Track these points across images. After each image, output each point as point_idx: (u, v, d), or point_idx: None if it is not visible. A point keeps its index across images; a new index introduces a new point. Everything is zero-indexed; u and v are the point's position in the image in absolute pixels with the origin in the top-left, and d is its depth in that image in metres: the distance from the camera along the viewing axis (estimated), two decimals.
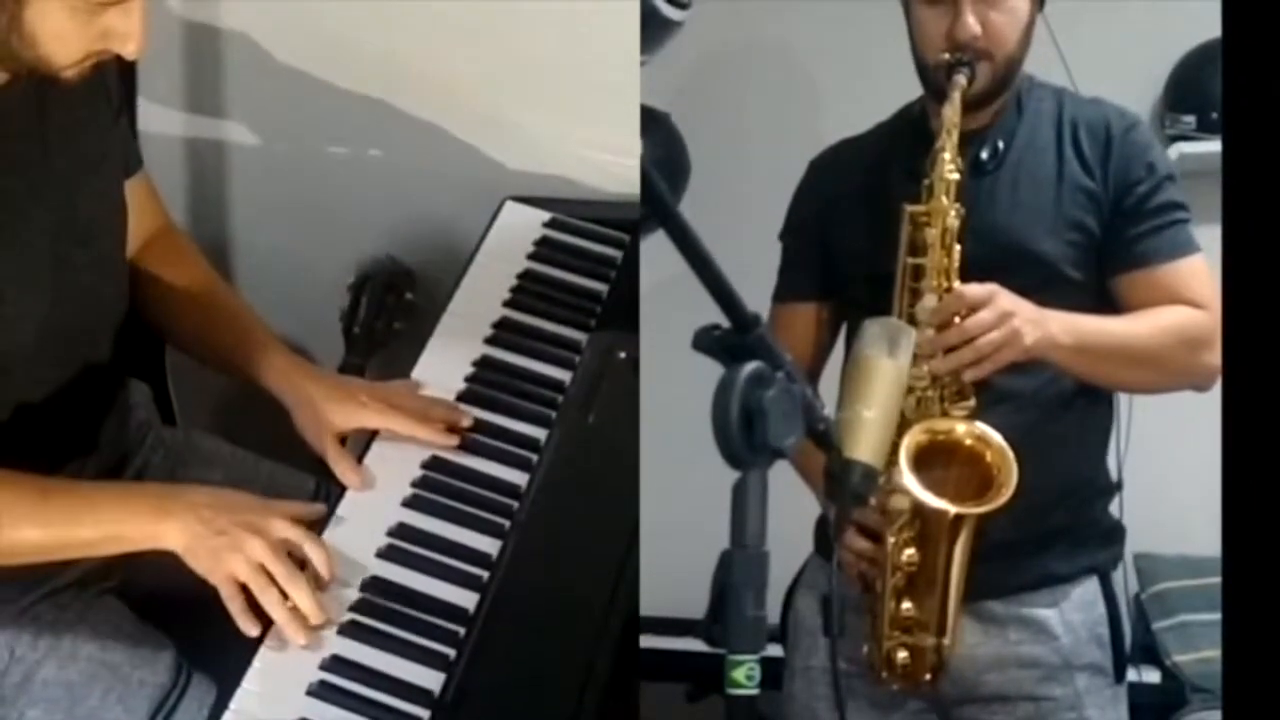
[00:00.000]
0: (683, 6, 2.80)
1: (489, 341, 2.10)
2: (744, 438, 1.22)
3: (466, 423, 1.94)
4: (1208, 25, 2.52)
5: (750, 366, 1.23)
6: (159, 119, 2.60)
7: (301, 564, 1.68)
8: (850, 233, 2.02)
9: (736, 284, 1.25)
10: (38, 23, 1.61)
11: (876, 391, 1.65)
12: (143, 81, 2.51)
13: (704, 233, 1.22)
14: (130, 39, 1.67)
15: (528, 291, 2.19)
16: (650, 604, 2.32)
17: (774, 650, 1.40)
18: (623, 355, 2.03)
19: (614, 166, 2.46)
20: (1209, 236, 1.83)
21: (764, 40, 3.14)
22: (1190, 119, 2.83)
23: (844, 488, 1.52)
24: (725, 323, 1.26)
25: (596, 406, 1.96)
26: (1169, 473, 2.55)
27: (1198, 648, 2.72)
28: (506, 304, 2.16)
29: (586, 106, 2.45)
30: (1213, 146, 2.69)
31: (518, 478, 1.88)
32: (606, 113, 2.41)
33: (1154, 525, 2.21)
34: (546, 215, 2.32)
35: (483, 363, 2.06)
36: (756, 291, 1.70)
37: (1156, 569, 2.85)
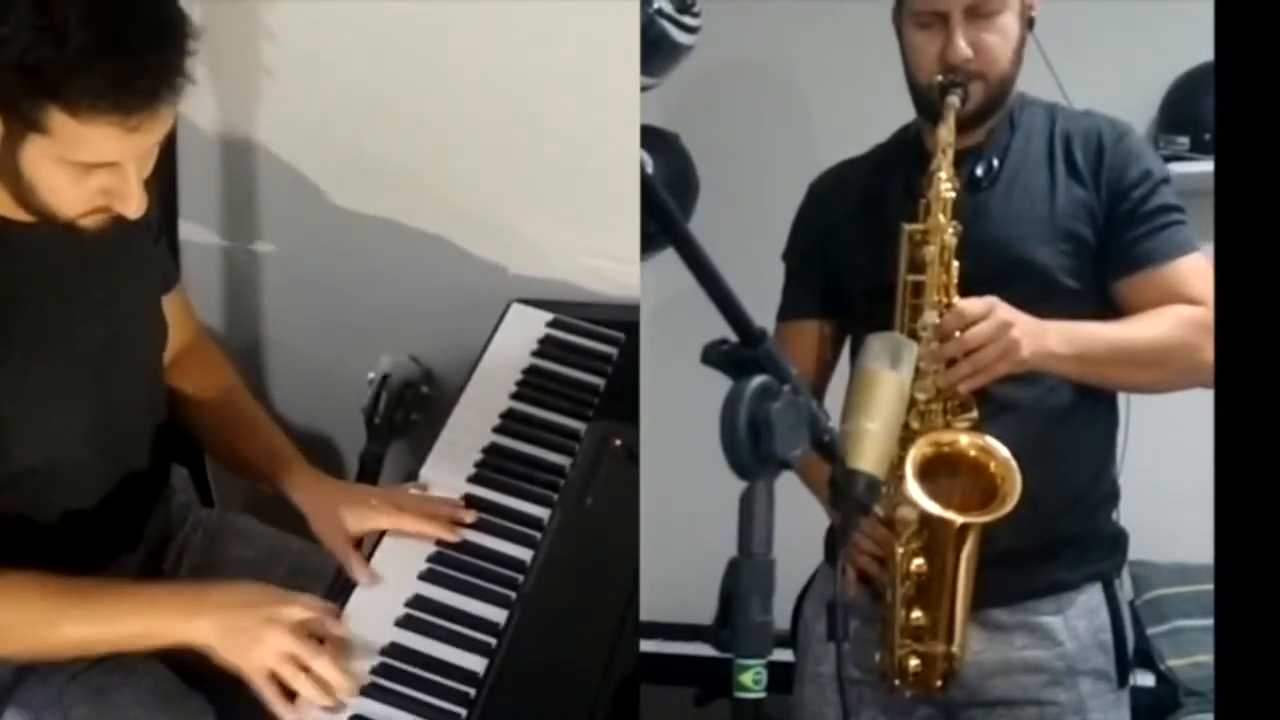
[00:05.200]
0: (692, 31, 2.75)
1: (497, 430, 2.11)
2: (751, 449, 1.19)
3: (470, 519, 1.94)
4: (1201, 49, 2.41)
5: (757, 380, 1.20)
6: (198, 232, 2.62)
7: (321, 640, 1.69)
8: (851, 251, 1.96)
9: (744, 299, 1.22)
10: (33, 176, 1.59)
11: (879, 404, 1.60)
12: (183, 198, 2.53)
13: (712, 249, 1.19)
14: (129, 199, 1.62)
15: (532, 385, 2.21)
16: (660, 610, 2.24)
17: (780, 655, 1.38)
18: (618, 443, 2.03)
19: (610, 272, 2.47)
20: (1202, 253, 1.82)
21: (771, 62, 3.06)
22: (1184, 140, 2.75)
23: (848, 497, 1.47)
24: (733, 337, 1.23)
25: (594, 489, 1.96)
26: (1164, 482, 2.45)
27: (1191, 653, 2.64)
28: (513, 396, 2.18)
29: (585, 219, 2.46)
30: (1205, 167, 2.58)
31: (523, 553, 1.90)
32: (604, 223, 2.41)
33: (1149, 533, 2.10)
34: (549, 316, 2.34)
35: (491, 450, 2.08)
36: (763, 306, 1.67)
37: (1151, 576, 2.77)
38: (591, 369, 2.26)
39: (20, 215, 1.67)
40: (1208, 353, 1.72)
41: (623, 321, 2.35)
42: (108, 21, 1.49)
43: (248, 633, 1.66)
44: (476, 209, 2.53)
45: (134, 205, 1.63)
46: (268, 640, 1.65)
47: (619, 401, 2.19)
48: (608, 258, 2.48)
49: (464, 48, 2.41)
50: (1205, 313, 1.78)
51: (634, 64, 2.38)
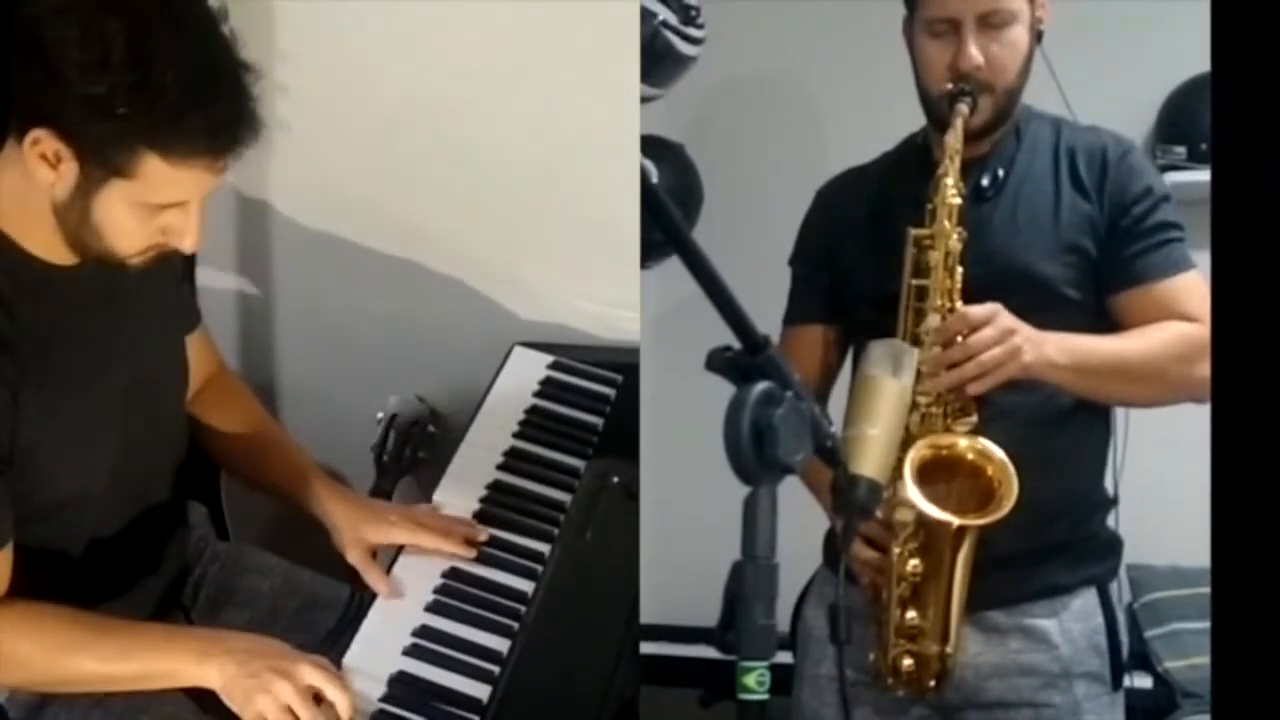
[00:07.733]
0: (696, 42, 2.74)
1: (500, 468, 2.14)
2: (755, 454, 1.18)
3: (483, 538, 1.97)
4: (1197, 60, 2.46)
5: (761, 386, 1.19)
6: (214, 277, 2.65)
7: (320, 701, 1.69)
8: (856, 256, 1.95)
9: (747, 307, 1.21)
10: (103, 218, 1.63)
11: (881, 410, 1.59)
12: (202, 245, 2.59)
13: (716, 258, 1.18)
14: (188, 235, 1.68)
15: (534, 425, 2.23)
16: (665, 613, 2.24)
17: (783, 657, 1.38)
18: (616, 480, 2.04)
19: (609, 316, 2.49)
20: (1199, 261, 1.81)
21: (774, 72, 3.04)
22: (1181, 149, 2.73)
23: (850, 502, 1.46)
24: (736, 344, 1.23)
25: (593, 525, 1.98)
26: (1161, 487, 2.44)
27: (1188, 655, 2.63)
28: (515, 435, 2.20)
29: (585, 265, 2.49)
30: (1202, 176, 2.57)
31: (525, 586, 1.92)
32: (603, 270, 2.44)
33: (1146, 537, 2.09)
34: (550, 358, 2.37)
35: (495, 486, 2.10)
36: (767, 314, 1.66)
37: (1149, 579, 2.76)
38: (591, 409, 2.29)
39: (60, 258, 1.71)
40: (1199, 370, 1.74)
41: (621, 363, 2.38)
42: (199, 76, 1.57)
43: (255, 680, 1.67)
44: (480, 256, 2.57)
45: (192, 240, 1.69)
46: (273, 690, 1.66)
47: (617, 440, 2.21)
48: (606, 303, 2.51)
49: (469, 101, 2.44)
50: (1199, 330, 1.79)
51: (634, 120, 2.40)
